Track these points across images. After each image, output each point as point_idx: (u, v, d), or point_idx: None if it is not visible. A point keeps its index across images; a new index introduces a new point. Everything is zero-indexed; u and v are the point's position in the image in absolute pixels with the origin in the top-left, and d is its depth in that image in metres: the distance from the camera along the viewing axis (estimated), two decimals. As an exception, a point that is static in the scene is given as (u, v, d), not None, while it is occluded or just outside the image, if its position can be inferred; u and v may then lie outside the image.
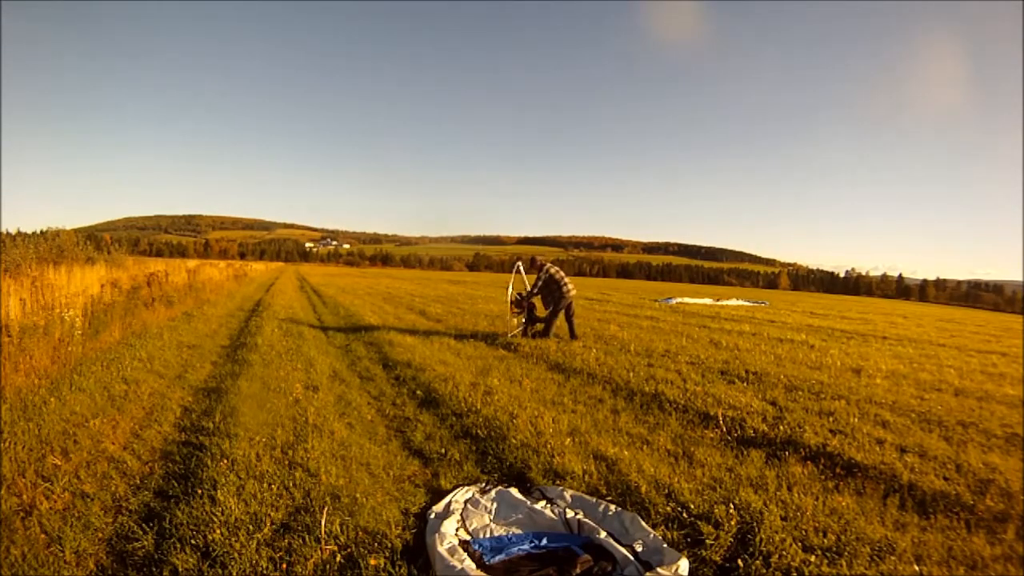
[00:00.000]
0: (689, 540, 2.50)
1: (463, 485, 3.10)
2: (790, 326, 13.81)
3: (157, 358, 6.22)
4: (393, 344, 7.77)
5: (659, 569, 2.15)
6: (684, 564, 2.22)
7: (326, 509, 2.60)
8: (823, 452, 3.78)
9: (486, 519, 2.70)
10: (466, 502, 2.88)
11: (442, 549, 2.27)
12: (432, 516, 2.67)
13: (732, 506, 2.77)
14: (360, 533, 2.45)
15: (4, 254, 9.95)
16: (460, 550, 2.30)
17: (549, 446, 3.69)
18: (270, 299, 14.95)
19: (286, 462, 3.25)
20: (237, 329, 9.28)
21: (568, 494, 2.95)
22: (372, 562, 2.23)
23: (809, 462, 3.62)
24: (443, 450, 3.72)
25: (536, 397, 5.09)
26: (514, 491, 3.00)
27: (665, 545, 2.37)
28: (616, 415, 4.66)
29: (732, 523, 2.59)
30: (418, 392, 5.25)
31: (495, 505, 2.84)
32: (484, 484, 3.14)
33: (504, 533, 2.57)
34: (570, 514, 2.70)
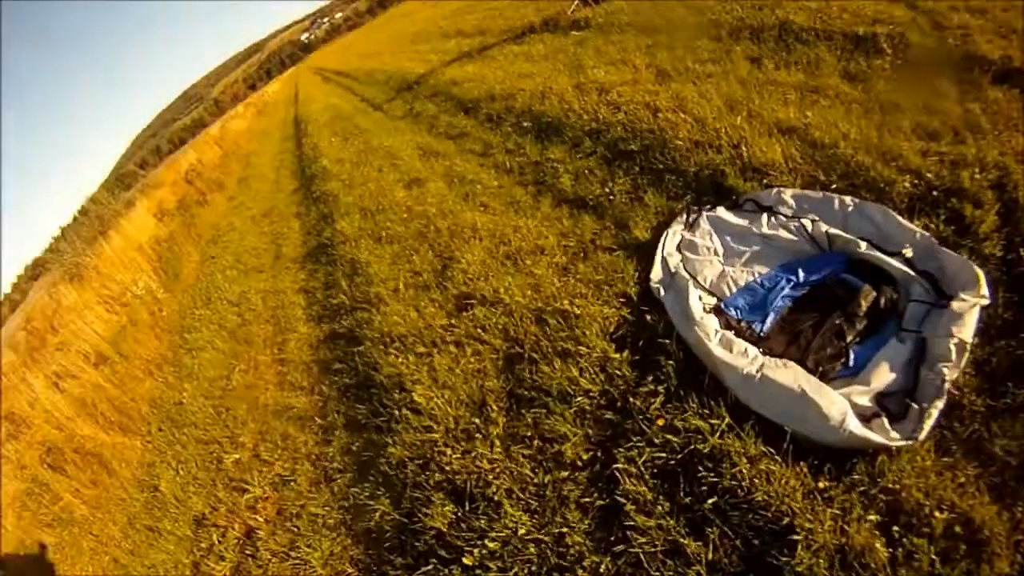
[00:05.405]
0: (953, 229, 2.09)
1: (660, 227, 2.74)
2: None
3: (242, 251, 5.95)
4: (457, 83, 6.56)
5: (962, 294, 1.76)
6: (982, 277, 1.80)
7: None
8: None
9: (716, 265, 2.42)
10: (679, 248, 2.57)
11: (714, 345, 1.98)
12: (656, 285, 2.41)
13: (977, 170, 2.22)
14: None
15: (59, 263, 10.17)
16: (729, 335, 2.04)
17: (723, 134, 3.14)
18: (304, 110, 13.47)
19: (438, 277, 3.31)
20: (294, 162, 8.43)
21: (787, 195, 2.45)
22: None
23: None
24: (605, 189, 3.29)
25: (659, 76, 4.20)
26: (722, 212, 2.60)
27: (937, 243, 1.98)
28: (757, 65, 3.82)
29: (989, 196, 2.12)
30: (524, 123, 4.51)
31: (714, 241, 2.52)
32: (685, 216, 2.72)
33: (749, 279, 2.30)
34: (806, 223, 2.28)
